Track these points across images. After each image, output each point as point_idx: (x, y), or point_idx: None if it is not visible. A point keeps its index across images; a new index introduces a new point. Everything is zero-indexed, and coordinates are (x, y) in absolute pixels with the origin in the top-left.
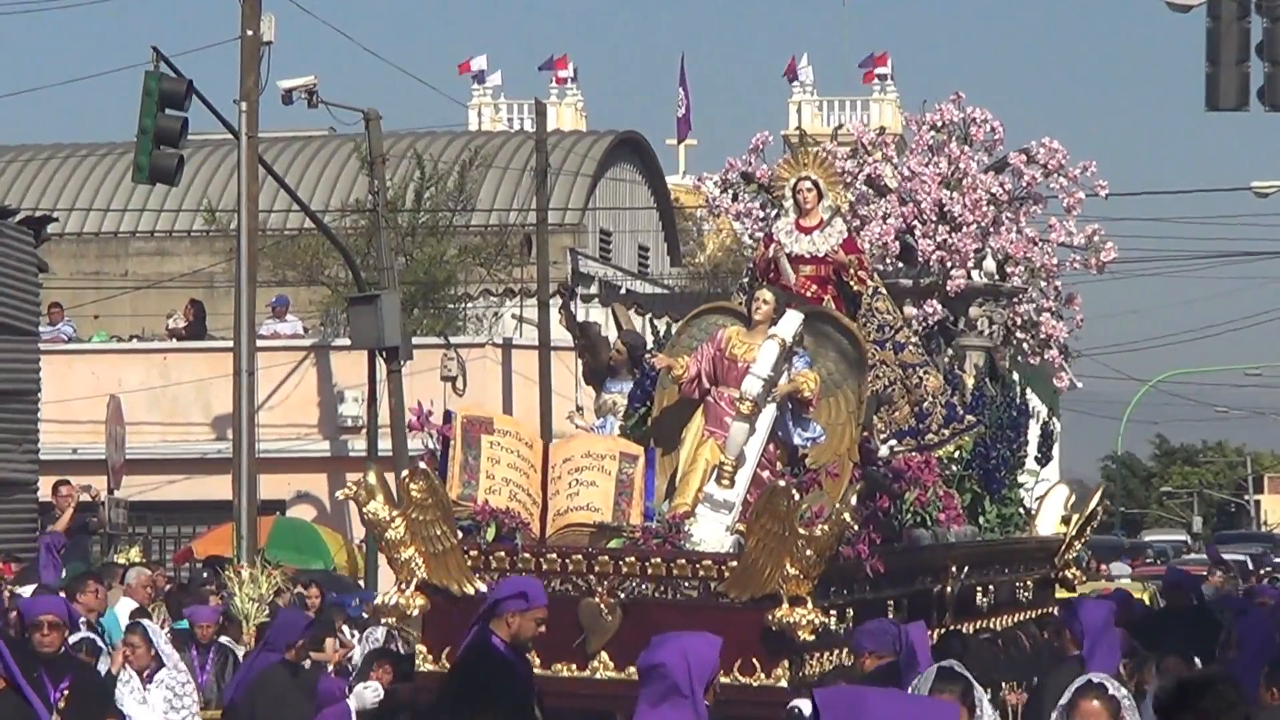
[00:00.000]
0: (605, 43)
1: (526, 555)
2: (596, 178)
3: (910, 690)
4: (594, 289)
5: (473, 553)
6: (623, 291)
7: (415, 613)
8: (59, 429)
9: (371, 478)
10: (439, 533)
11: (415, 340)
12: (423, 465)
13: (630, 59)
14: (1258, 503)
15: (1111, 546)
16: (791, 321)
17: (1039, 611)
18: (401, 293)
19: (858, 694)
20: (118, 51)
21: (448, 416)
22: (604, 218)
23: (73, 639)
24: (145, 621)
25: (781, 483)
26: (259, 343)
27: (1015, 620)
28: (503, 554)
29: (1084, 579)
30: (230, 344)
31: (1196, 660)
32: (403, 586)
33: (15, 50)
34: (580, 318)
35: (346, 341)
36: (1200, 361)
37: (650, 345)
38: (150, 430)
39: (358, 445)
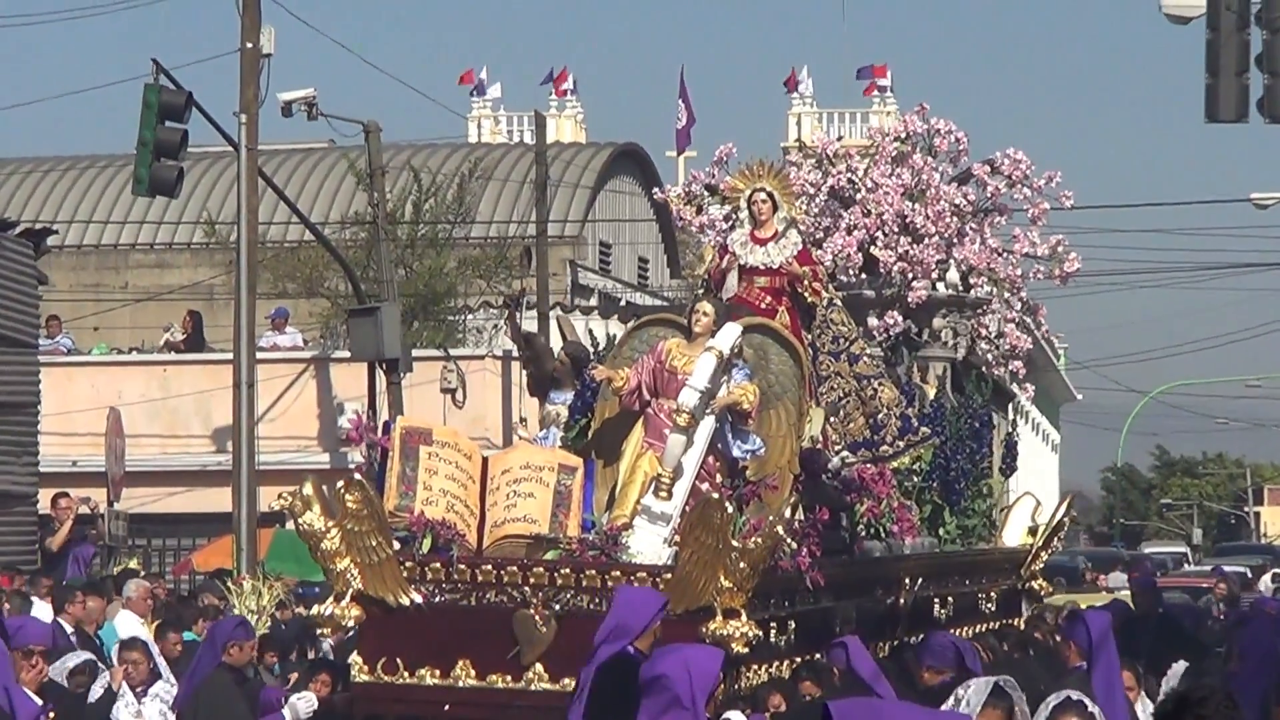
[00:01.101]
0: (605, 54)
1: (462, 566)
2: (596, 190)
3: (959, 703)
4: (594, 301)
5: (408, 564)
6: (622, 303)
7: (351, 623)
8: (59, 441)
9: (308, 488)
10: (374, 544)
11: (415, 352)
12: (358, 476)
13: (630, 71)
14: (1257, 514)
15: (1111, 558)
16: (729, 334)
17: (1002, 623)
18: (401, 305)
19: (873, 706)
20: (117, 64)
21: (386, 427)
22: (604, 230)
23: (73, 661)
24: (141, 636)
25: (715, 495)
26: (259, 355)
27: (975, 632)
28: (438, 565)
29: (1051, 590)
30: (230, 356)
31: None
32: (338, 597)
33: (15, 62)
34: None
35: (346, 354)
36: (1200, 373)
37: (592, 356)
38: (150, 442)
39: (358, 457)
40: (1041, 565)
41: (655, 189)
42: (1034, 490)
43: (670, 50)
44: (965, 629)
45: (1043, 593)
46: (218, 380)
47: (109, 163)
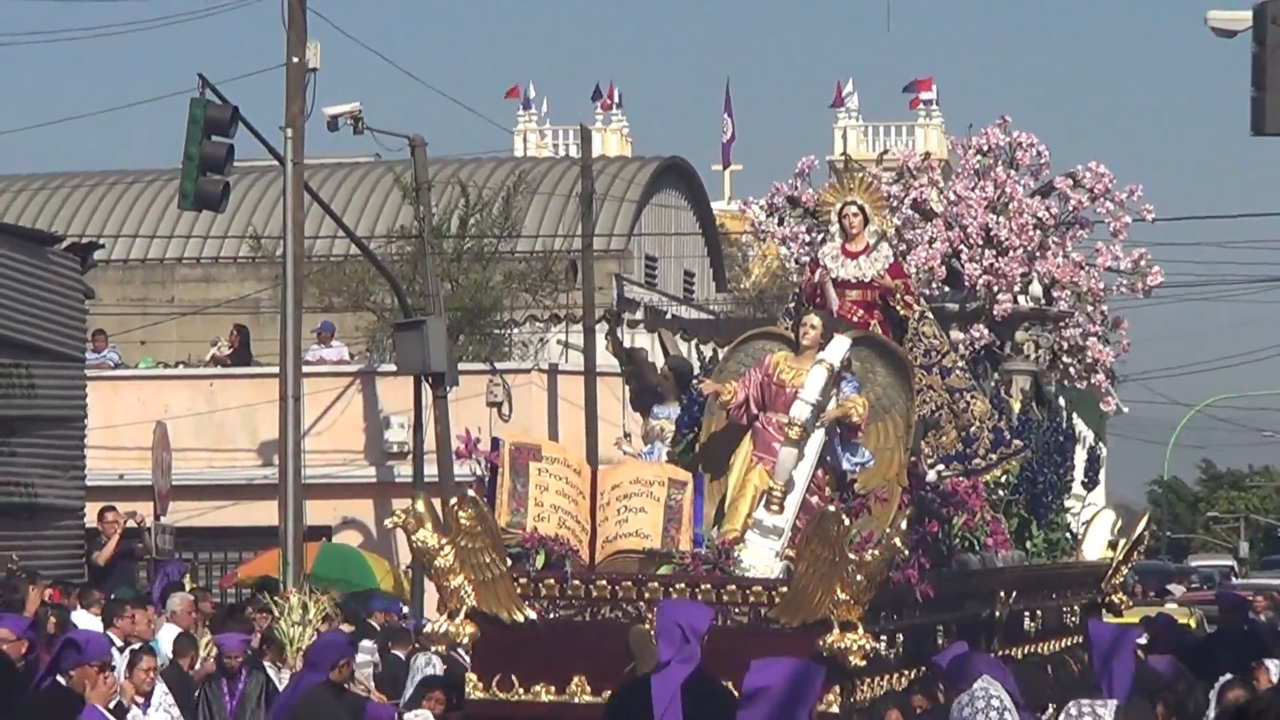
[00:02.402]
0: (650, 68)
1: (576, 582)
2: (642, 203)
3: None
4: (639, 315)
5: (522, 580)
6: (668, 317)
7: (465, 640)
8: (105, 455)
9: (420, 505)
10: (488, 560)
11: (461, 366)
12: (471, 493)
13: (675, 85)
14: None
15: (1157, 572)
16: (839, 346)
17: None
18: (447, 318)
19: None
20: (164, 78)
21: (495, 444)
22: (649, 243)
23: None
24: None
25: (831, 508)
26: (305, 369)
27: (1063, 645)
28: (552, 581)
29: (1130, 604)
30: (276, 370)
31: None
32: (452, 614)
33: (62, 78)
34: (625, 343)
35: (392, 367)
36: (1247, 386)
37: (697, 371)
38: (196, 456)
39: (404, 471)
40: (1122, 579)
41: (739, 201)
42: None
43: (715, 64)
44: (1053, 642)
45: (1121, 606)
46: (264, 394)
47: (155, 177)
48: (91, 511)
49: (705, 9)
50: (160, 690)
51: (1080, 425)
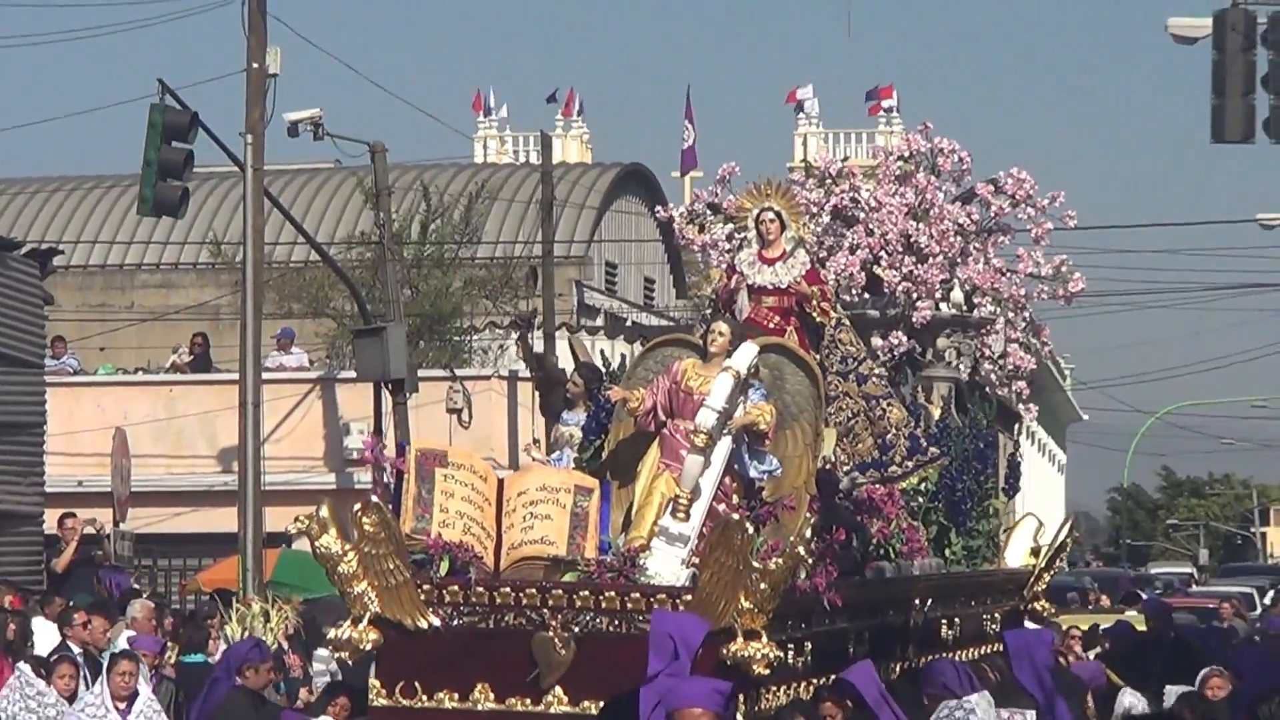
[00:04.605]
0: (611, 76)
1: (480, 589)
2: (602, 210)
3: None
4: (599, 321)
5: (425, 587)
6: (628, 323)
7: (368, 647)
8: (64, 461)
9: (324, 511)
10: (391, 566)
11: (421, 372)
12: (375, 499)
13: (636, 91)
14: (1264, 535)
15: (1116, 579)
16: (746, 353)
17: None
18: (407, 325)
19: None
20: (123, 84)
21: (401, 449)
22: (609, 250)
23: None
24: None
25: (735, 516)
26: (265, 375)
27: (982, 653)
28: (456, 588)
29: (1054, 611)
30: (236, 376)
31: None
32: (356, 621)
33: (20, 82)
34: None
35: (352, 374)
36: (1207, 394)
37: (605, 378)
38: (156, 462)
39: (364, 478)
40: (1044, 586)
41: (658, 207)
42: (1040, 511)
43: (676, 71)
44: (971, 650)
45: (1045, 614)
46: (223, 400)
47: (115, 183)
48: (51, 518)
49: (666, 17)
50: (145, 695)
51: (1042, 434)
